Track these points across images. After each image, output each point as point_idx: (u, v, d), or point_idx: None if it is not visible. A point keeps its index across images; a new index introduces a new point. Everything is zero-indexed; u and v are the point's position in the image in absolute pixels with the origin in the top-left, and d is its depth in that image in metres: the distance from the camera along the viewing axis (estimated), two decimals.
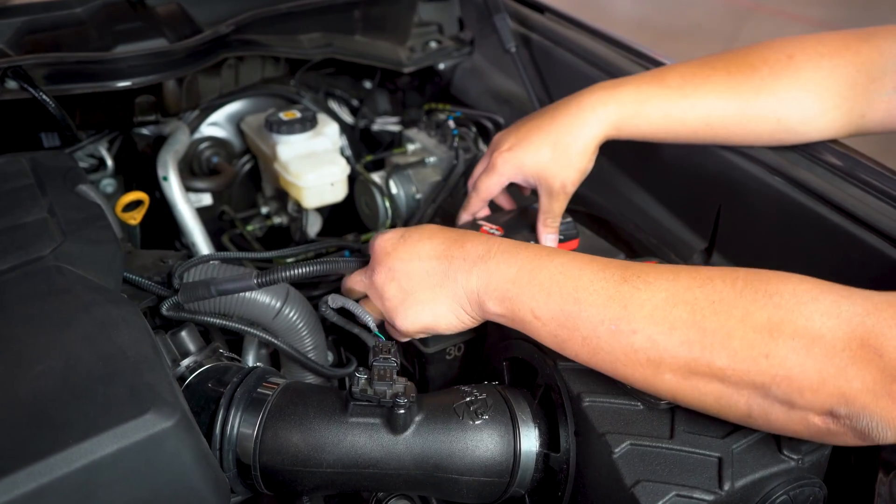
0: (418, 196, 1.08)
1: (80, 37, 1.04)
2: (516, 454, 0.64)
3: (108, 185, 1.16)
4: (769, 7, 5.37)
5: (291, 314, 0.76)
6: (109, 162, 1.14)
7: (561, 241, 0.86)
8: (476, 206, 0.88)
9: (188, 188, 1.10)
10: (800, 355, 0.49)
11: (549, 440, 0.65)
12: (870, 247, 0.74)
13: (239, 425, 0.63)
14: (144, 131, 1.16)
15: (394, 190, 1.08)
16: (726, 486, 0.55)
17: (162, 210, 1.09)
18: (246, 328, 0.74)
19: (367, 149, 1.35)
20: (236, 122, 1.22)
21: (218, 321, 0.73)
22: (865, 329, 0.48)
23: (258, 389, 0.66)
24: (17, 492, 0.45)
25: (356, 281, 0.73)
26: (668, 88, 0.80)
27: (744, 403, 0.53)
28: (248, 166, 1.25)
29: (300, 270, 0.71)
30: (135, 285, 0.74)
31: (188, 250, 1.09)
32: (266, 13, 1.14)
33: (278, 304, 0.75)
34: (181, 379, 0.69)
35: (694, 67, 0.81)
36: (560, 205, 0.83)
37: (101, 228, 0.72)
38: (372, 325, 0.74)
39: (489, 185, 0.84)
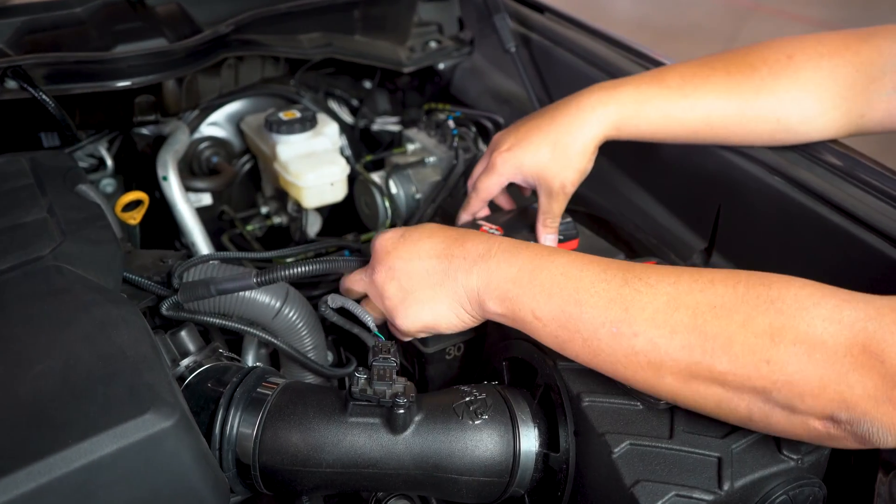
0: (418, 196, 1.08)
1: (79, 36, 1.04)
2: (516, 454, 0.64)
3: (108, 184, 1.16)
4: (769, 7, 5.37)
5: (291, 314, 0.76)
6: (109, 162, 1.14)
7: (561, 241, 0.86)
8: (476, 207, 0.88)
9: (188, 188, 1.10)
10: (801, 361, 0.49)
11: (549, 440, 0.65)
12: (869, 247, 0.74)
13: (238, 425, 0.63)
14: (144, 131, 1.16)
15: (393, 190, 1.08)
16: (726, 486, 0.55)
17: (162, 210, 1.09)
18: (245, 328, 0.74)
19: (366, 149, 1.35)
20: (236, 121, 1.22)
21: (217, 321, 0.73)
22: (867, 335, 0.48)
23: (258, 389, 0.66)
24: (16, 491, 0.45)
25: (355, 280, 0.73)
26: (667, 89, 0.80)
27: (744, 407, 0.53)
28: (247, 166, 1.25)
29: (300, 269, 0.71)
30: (134, 285, 0.74)
31: (188, 250, 1.09)
32: (266, 13, 1.14)
33: (278, 304, 0.75)
34: (181, 379, 0.69)
35: (693, 67, 0.81)
36: (560, 205, 0.83)
37: (101, 228, 0.72)
38: (371, 324, 0.74)
39: (489, 185, 0.84)
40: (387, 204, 1.08)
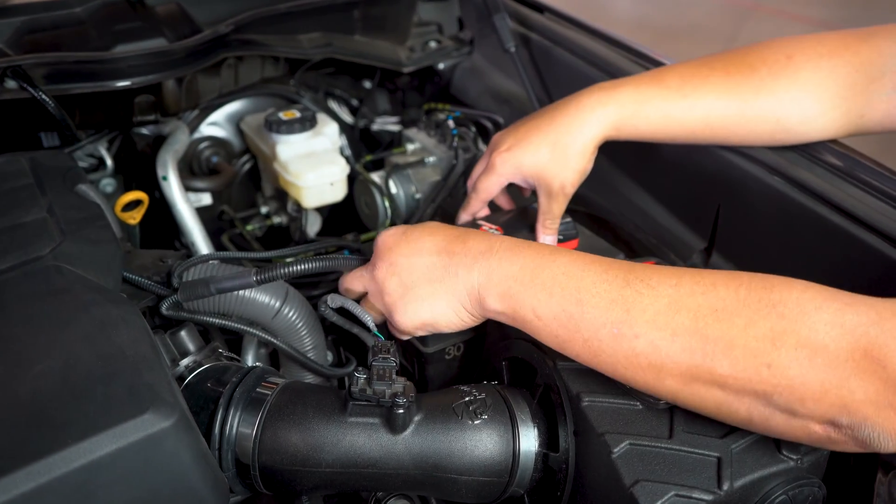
0: (418, 196, 1.08)
1: (79, 36, 1.04)
2: (515, 454, 0.64)
3: (108, 184, 1.16)
4: (769, 7, 5.37)
5: (290, 314, 0.76)
6: (109, 161, 1.14)
7: (560, 241, 0.86)
8: (476, 207, 0.88)
9: (188, 188, 1.10)
10: (802, 366, 0.49)
11: (549, 440, 0.65)
12: (869, 247, 0.74)
13: (238, 425, 0.63)
14: (144, 131, 1.16)
15: (393, 190, 1.08)
16: (725, 486, 0.55)
17: (161, 210, 1.09)
18: (245, 328, 0.74)
19: (366, 148, 1.35)
20: (236, 121, 1.22)
21: (217, 321, 0.73)
22: (869, 340, 0.48)
23: (257, 389, 0.66)
24: (15, 491, 0.45)
25: (355, 278, 0.73)
26: (667, 89, 0.80)
27: (744, 410, 0.53)
28: (247, 166, 1.25)
29: (299, 268, 0.71)
30: (134, 285, 0.74)
31: (187, 250, 1.09)
32: (265, 13, 1.14)
33: (277, 304, 0.75)
34: (180, 379, 0.69)
35: (693, 68, 0.81)
36: (559, 206, 0.83)
37: (101, 228, 0.72)
38: (371, 324, 0.74)
39: (488, 185, 0.84)
40: (386, 204, 1.08)
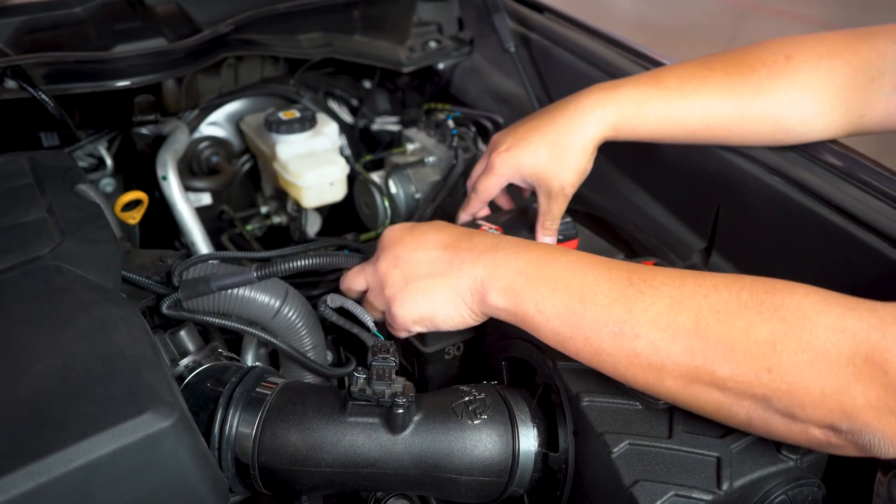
0: (417, 196, 1.08)
1: (79, 36, 1.04)
2: (515, 454, 0.64)
3: (108, 184, 1.16)
4: (769, 7, 5.38)
5: (290, 313, 0.76)
6: (109, 161, 1.14)
7: (560, 241, 0.86)
8: (475, 207, 0.88)
9: (187, 188, 1.10)
10: (803, 370, 0.49)
11: (548, 440, 0.65)
12: (869, 247, 0.74)
13: (237, 425, 0.63)
14: (144, 131, 1.16)
15: (393, 189, 1.08)
16: (725, 486, 0.55)
17: (161, 209, 1.09)
18: (245, 327, 0.74)
19: (366, 148, 1.35)
20: (235, 121, 1.22)
21: (217, 320, 0.73)
22: (871, 345, 0.48)
23: (257, 389, 0.66)
24: (15, 491, 0.45)
25: (356, 274, 0.72)
26: (666, 90, 0.80)
27: (744, 413, 0.53)
28: (247, 166, 1.25)
29: (300, 263, 0.71)
30: (134, 284, 0.74)
31: (187, 250, 1.09)
32: (265, 13, 1.14)
33: (277, 304, 0.75)
34: (180, 378, 0.69)
35: (692, 68, 0.81)
36: (559, 207, 0.83)
37: (100, 228, 0.72)
38: (371, 324, 0.74)
39: (488, 185, 0.84)
40: (386, 204, 1.08)
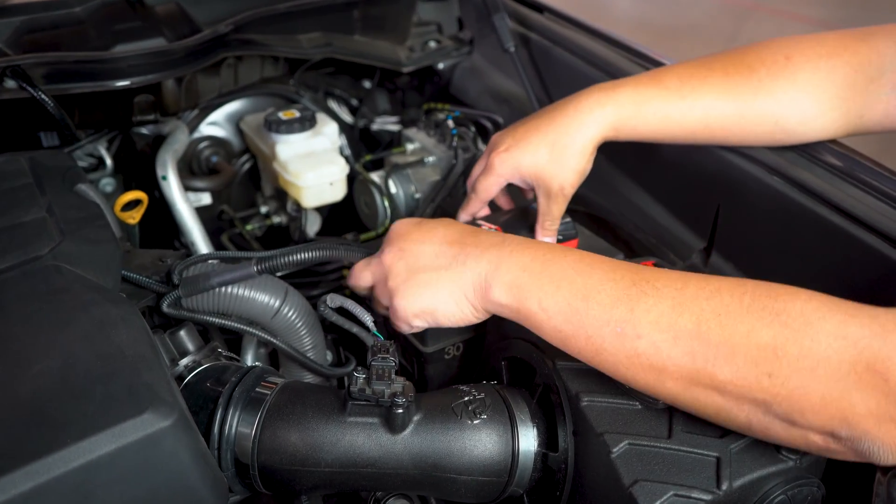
0: (417, 195, 1.08)
1: (78, 36, 1.04)
2: (514, 454, 0.64)
3: (107, 184, 1.16)
4: (769, 7, 5.37)
5: (290, 313, 0.76)
6: (108, 161, 1.14)
7: (560, 241, 0.86)
8: (475, 207, 0.88)
9: (187, 187, 1.10)
10: (803, 377, 0.49)
11: (548, 440, 0.65)
12: (869, 247, 0.74)
13: (237, 425, 0.63)
14: (143, 131, 1.16)
15: (393, 189, 1.08)
16: (724, 486, 0.55)
17: (161, 209, 1.09)
18: (245, 327, 0.74)
19: (366, 148, 1.35)
20: (235, 121, 1.22)
21: (217, 320, 0.73)
22: (872, 352, 0.47)
23: (257, 389, 0.66)
24: (14, 491, 0.45)
25: (363, 267, 0.72)
26: (665, 90, 0.80)
27: (744, 417, 0.53)
28: (247, 166, 1.25)
29: (300, 256, 0.71)
30: (134, 283, 0.74)
31: (187, 250, 1.09)
32: (265, 13, 1.14)
33: (277, 303, 0.75)
34: (179, 378, 0.69)
35: (691, 68, 0.81)
36: (559, 207, 0.83)
37: (100, 228, 0.72)
38: (370, 324, 0.74)
39: (487, 185, 0.84)
40: (386, 203, 1.08)
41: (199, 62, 1.04)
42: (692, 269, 0.95)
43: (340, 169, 1.07)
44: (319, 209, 1.19)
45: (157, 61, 1.00)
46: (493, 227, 0.85)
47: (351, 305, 0.74)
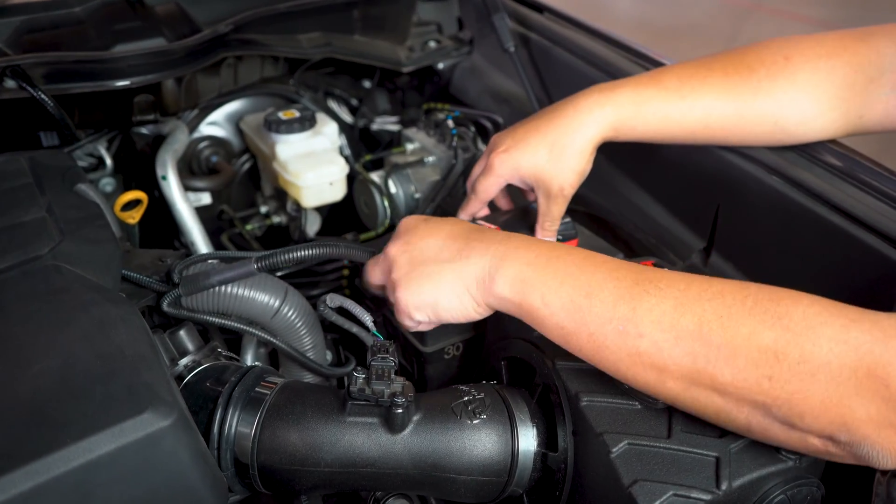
0: (417, 195, 1.08)
1: (78, 36, 1.04)
2: (514, 453, 0.64)
3: (107, 184, 1.16)
4: (769, 7, 5.37)
5: (290, 313, 0.76)
6: (108, 161, 1.14)
7: (559, 241, 0.86)
8: (475, 207, 0.88)
9: (187, 187, 1.10)
10: (803, 381, 0.49)
11: (547, 440, 0.65)
12: (868, 247, 0.74)
13: (237, 424, 0.63)
14: (143, 130, 1.16)
15: (393, 189, 1.08)
16: (724, 486, 0.56)
17: (161, 209, 1.09)
18: (244, 327, 0.74)
19: (366, 148, 1.35)
20: (235, 121, 1.22)
21: (216, 320, 0.73)
22: (873, 358, 0.47)
23: (256, 388, 0.66)
24: (14, 490, 0.45)
25: (374, 263, 0.73)
26: (665, 90, 0.80)
27: (743, 418, 0.53)
28: (247, 165, 1.25)
29: (300, 254, 0.71)
30: (134, 283, 0.74)
31: (187, 249, 1.09)
32: (265, 13, 1.14)
33: (276, 303, 0.75)
34: (179, 378, 0.69)
35: (691, 69, 0.81)
36: (559, 207, 0.83)
37: (100, 227, 0.72)
38: (370, 323, 0.74)
39: (487, 186, 0.84)
40: (386, 203, 1.08)
41: (199, 62, 1.04)
42: (692, 269, 0.95)
43: (340, 169, 1.07)
44: (319, 209, 1.19)
45: (156, 61, 1.00)
46: (492, 227, 0.84)
47: (350, 305, 0.74)
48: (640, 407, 0.61)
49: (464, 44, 1.37)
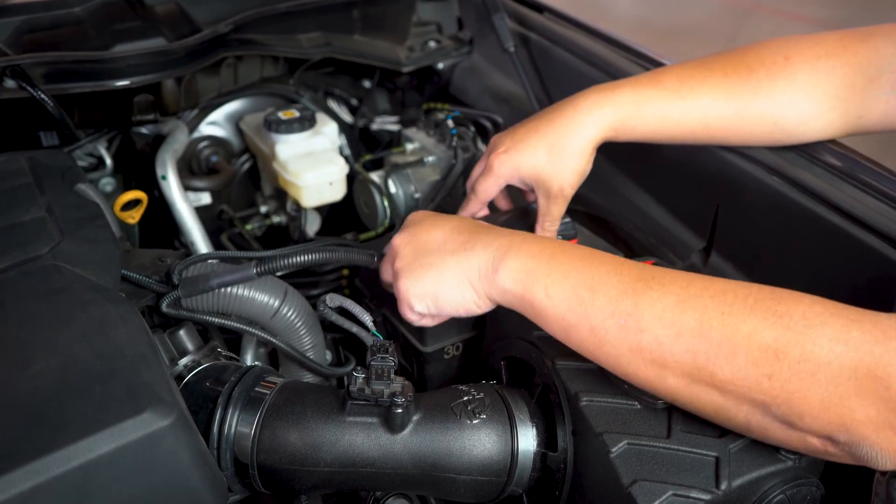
0: (417, 195, 1.08)
1: (78, 36, 1.04)
2: (514, 453, 0.64)
3: (107, 183, 1.16)
4: (769, 7, 5.37)
5: (289, 313, 0.76)
6: (108, 161, 1.14)
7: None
8: (474, 208, 0.88)
9: (187, 187, 1.10)
10: (803, 380, 0.49)
11: (547, 439, 0.65)
12: (868, 247, 0.74)
13: (237, 424, 0.63)
14: (143, 130, 1.16)
15: (392, 189, 1.08)
16: (723, 486, 0.56)
17: (161, 209, 1.09)
18: (244, 327, 0.74)
19: (366, 148, 1.35)
20: (235, 121, 1.22)
21: (216, 320, 0.73)
22: (873, 358, 0.47)
23: (256, 388, 0.66)
24: (14, 490, 0.45)
25: (385, 262, 0.74)
26: (664, 90, 0.80)
27: (743, 417, 0.53)
28: (246, 165, 1.25)
29: (299, 258, 0.72)
30: (133, 283, 0.74)
31: (187, 249, 1.09)
32: (265, 12, 1.14)
33: (276, 303, 0.75)
34: (179, 378, 0.69)
35: (690, 69, 0.81)
36: (559, 208, 0.83)
37: (100, 227, 0.72)
38: (370, 323, 0.74)
39: (486, 186, 0.84)
40: (386, 203, 1.08)
41: (199, 62, 1.04)
42: (692, 268, 0.95)
43: (340, 169, 1.07)
44: (319, 209, 1.19)
45: (156, 61, 1.01)
46: None
47: (350, 305, 0.74)
48: (639, 407, 0.61)
49: (464, 44, 1.37)
